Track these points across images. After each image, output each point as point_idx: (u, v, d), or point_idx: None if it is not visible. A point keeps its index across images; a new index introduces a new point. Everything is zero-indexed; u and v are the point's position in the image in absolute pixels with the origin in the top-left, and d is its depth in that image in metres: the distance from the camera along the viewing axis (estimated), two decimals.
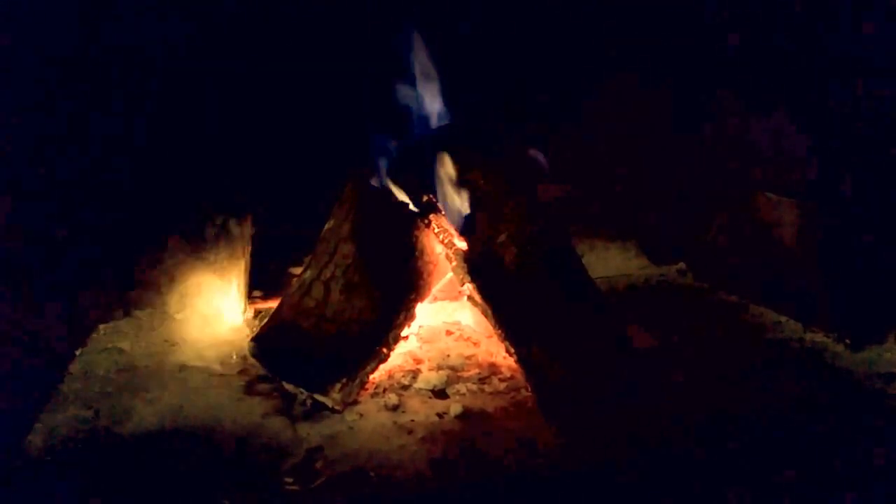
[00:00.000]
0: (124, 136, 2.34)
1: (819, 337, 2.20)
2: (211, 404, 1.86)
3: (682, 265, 2.83)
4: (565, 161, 2.70)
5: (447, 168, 1.95)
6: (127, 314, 2.39)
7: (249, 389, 1.93)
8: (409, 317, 1.98)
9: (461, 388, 1.92)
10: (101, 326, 2.31)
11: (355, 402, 1.85)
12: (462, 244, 1.95)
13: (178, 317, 2.39)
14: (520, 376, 1.89)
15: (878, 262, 2.15)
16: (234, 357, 2.09)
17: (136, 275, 2.42)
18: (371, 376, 1.91)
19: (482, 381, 1.96)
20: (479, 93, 2.27)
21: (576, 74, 2.65)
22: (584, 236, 2.70)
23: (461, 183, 1.93)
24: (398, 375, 1.97)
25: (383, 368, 1.95)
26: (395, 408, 1.83)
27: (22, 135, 2.14)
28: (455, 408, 1.80)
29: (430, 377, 1.94)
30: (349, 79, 2.42)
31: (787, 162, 2.36)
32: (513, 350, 1.85)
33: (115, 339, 2.24)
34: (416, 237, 1.98)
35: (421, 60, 2.16)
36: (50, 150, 2.22)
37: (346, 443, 1.69)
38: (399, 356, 2.03)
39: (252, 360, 1.94)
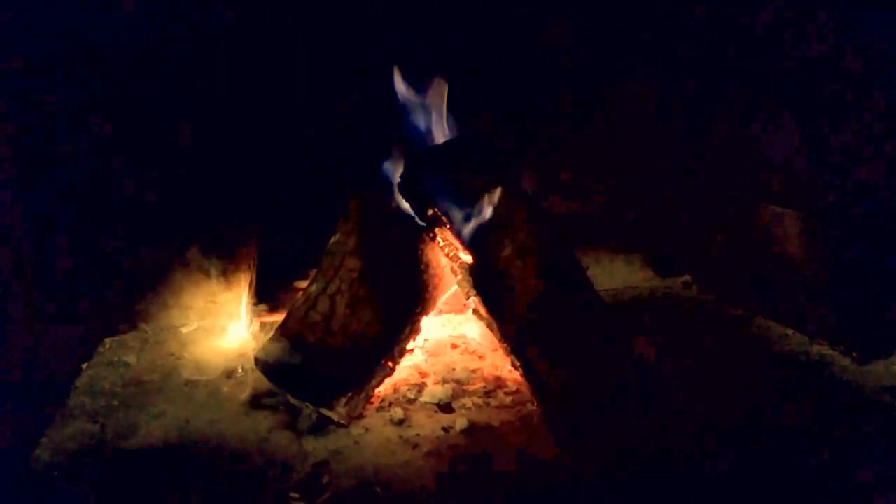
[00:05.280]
0: (129, 151, 2.35)
1: (825, 350, 2.19)
2: (216, 418, 1.86)
3: (686, 278, 2.83)
4: (570, 173, 2.72)
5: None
6: (133, 328, 2.40)
7: (255, 403, 1.93)
8: (415, 330, 1.98)
9: (467, 401, 1.91)
10: (107, 340, 2.32)
11: (361, 417, 1.85)
12: (467, 257, 1.95)
13: (183, 330, 2.39)
14: (525, 390, 1.89)
15: (885, 275, 2.14)
16: (240, 371, 2.10)
17: (141, 288, 2.43)
18: (377, 390, 1.91)
19: (488, 394, 1.95)
20: (485, 105, 2.28)
21: (580, 86, 2.66)
22: (589, 249, 2.70)
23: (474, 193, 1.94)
24: (404, 389, 1.97)
25: (389, 382, 1.95)
26: (400, 422, 1.83)
27: (25, 148, 2.16)
28: (461, 422, 1.80)
29: (435, 391, 1.94)
30: (355, 92, 2.43)
31: (792, 174, 2.36)
32: (518, 363, 1.85)
33: (121, 352, 2.25)
34: (422, 250, 1.98)
35: (427, 74, 2.17)
36: (55, 164, 2.23)
37: (351, 457, 1.69)
38: (404, 370, 2.03)
39: (258, 374, 1.94)
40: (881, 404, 1.89)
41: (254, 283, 2.42)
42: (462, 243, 1.96)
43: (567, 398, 1.75)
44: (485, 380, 2.03)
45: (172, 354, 2.23)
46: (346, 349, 1.84)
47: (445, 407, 1.89)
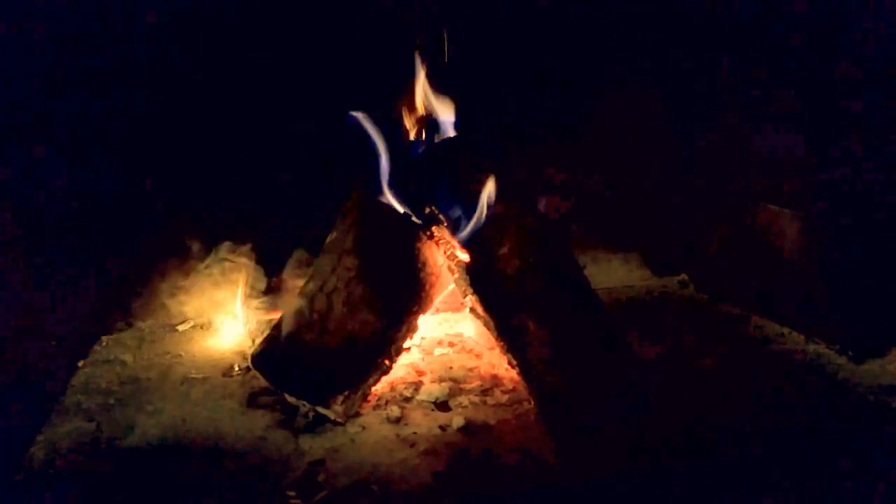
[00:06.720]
0: (125, 147, 2.35)
1: (821, 349, 2.20)
2: (213, 417, 1.86)
3: (683, 277, 2.83)
4: (567, 173, 2.72)
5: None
6: (129, 326, 2.39)
7: (251, 402, 1.93)
8: (412, 328, 1.98)
9: (463, 400, 1.91)
10: (104, 338, 2.31)
11: (357, 415, 1.85)
12: (464, 256, 1.95)
13: (180, 328, 2.39)
14: (522, 388, 1.89)
15: (881, 274, 2.14)
16: (237, 369, 2.09)
17: (138, 286, 2.43)
18: (373, 388, 1.91)
19: (484, 393, 1.95)
20: (482, 105, 2.28)
21: (577, 86, 2.66)
22: (586, 248, 2.70)
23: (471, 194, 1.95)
24: (400, 387, 1.97)
25: (385, 380, 1.94)
26: (397, 420, 1.82)
27: (22, 147, 2.15)
28: (457, 420, 1.80)
29: (432, 389, 1.94)
30: (353, 89, 2.43)
31: (788, 173, 2.36)
32: (515, 362, 1.85)
33: (117, 350, 2.24)
34: (419, 249, 1.98)
35: (424, 74, 2.18)
36: (50, 160, 2.23)
37: (348, 455, 1.69)
38: (401, 368, 2.03)
39: (254, 373, 1.94)
40: (876, 403, 1.89)
41: (251, 280, 2.41)
42: (459, 241, 1.96)
43: (563, 397, 1.75)
44: (481, 378, 2.03)
45: (169, 353, 2.23)
46: (343, 347, 1.84)
47: (442, 405, 1.89)
